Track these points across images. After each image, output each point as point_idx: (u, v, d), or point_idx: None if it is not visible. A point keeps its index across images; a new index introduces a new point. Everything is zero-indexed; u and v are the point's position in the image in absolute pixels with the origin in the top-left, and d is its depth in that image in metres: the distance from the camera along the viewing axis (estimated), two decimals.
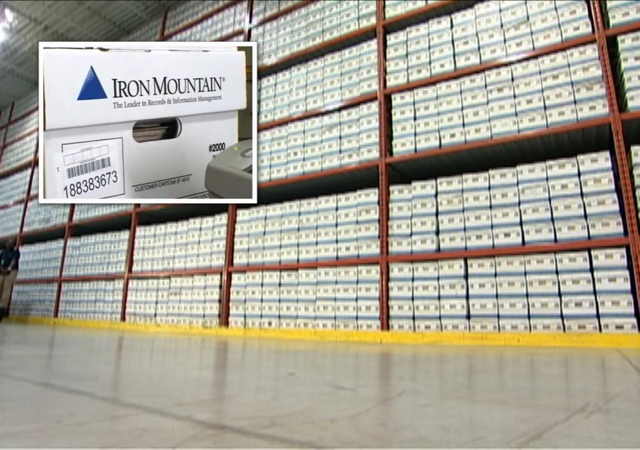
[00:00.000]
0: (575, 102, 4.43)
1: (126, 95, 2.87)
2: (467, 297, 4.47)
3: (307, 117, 6.20)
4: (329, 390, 1.35)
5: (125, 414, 0.95)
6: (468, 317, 4.43)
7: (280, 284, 5.80)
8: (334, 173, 5.70)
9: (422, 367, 2.38)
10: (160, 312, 7.17)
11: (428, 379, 1.76)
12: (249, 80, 3.20)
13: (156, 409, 1.00)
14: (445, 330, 4.51)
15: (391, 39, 5.75)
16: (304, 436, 0.80)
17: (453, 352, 3.40)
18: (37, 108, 12.42)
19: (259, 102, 6.86)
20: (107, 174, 2.92)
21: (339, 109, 5.92)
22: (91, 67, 2.78)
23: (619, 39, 4.35)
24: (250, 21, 7.53)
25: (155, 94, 2.93)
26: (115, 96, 2.85)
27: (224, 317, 6.27)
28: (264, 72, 7.02)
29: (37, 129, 11.75)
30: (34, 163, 11.53)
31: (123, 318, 7.72)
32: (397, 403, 1.12)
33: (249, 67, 3.26)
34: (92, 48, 2.84)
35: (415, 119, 5.26)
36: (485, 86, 4.92)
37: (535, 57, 4.74)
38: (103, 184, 2.93)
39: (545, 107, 4.56)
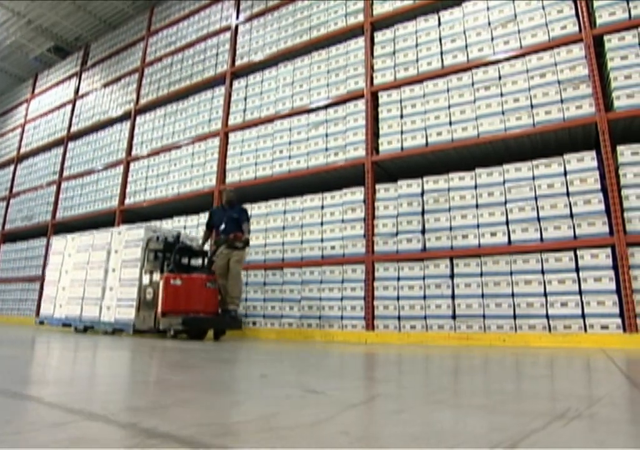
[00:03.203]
0: (562, 101, 4.41)
1: None
2: (453, 297, 4.42)
3: (293, 115, 6.11)
4: (299, 394, 1.27)
5: (66, 421, 0.87)
6: (454, 317, 4.38)
7: (265, 283, 5.72)
8: (320, 171, 5.63)
9: (403, 368, 2.31)
10: None
11: (407, 381, 1.69)
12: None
13: (103, 416, 0.92)
14: (430, 331, 4.45)
15: (378, 36, 5.69)
16: (256, 446, 0.73)
17: (438, 353, 3.34)
18: (20, 104, 12.21)
19: (245, 99, 6.77)
20: None
21: (326, 107, 5.84)
22: None
23: (605, 38, 4.33)
24: (237, 17, 7.42)
25: None
26: None
27: None
28: (250, 69, 6.94)
29: (21, 125, 11.55)
30: (17, 159, 11.32)
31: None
32: (369, 408, 1.05)
33: None
34: None
35: (402, 117, 5.21)
36: (472, 84, 4.88)
37: (522, 55, 4.71)
38: None
39: (532, 106, 4.52)
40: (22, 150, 11.28)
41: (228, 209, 5.21)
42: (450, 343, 4.25)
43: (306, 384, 1.51)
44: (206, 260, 5.11)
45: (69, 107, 10.26)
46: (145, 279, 5.15)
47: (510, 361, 2.69)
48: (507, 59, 4.77)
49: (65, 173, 9.58)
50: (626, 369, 2.20)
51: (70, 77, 10.72)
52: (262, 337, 5.38)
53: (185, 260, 5.35)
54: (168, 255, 5.09)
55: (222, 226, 5.09)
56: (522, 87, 4.61)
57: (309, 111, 5.98)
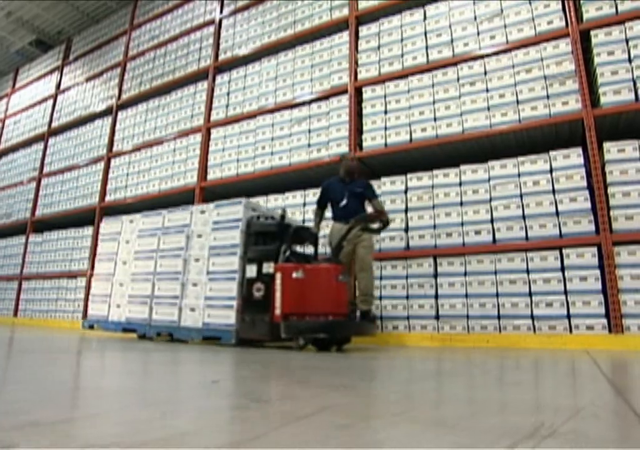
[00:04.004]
0: (548, 96, 4.32)
1: None
2: (436, 296, 4.31)
3: (276, 110, 5.97)
4: (241, 405, 1.14)
5: None
6: (437, 317, 4.27)
7: None
8: (303, 168, 5.49)
9: (372, 373, 2.19)
10: None
11: (370, 388, 1.56)
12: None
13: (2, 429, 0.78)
14: (413, 331, 4.34)
15: (363, 30, 5.57)
16: None
17: (418, 355, 3.21)
18: (0, 98, 11.93)
19: (228, 94, 6.61)
20: None
21: (309, 102, 5.71)
22: None
23: (592, 33, 4.25)
24: (221, 11, 7.27)
25: None
26: None
27: None
28: (234, 64, 6.79)
29: (1, 120, 11.28)
30: None
31: (85, 317, 7.36)
32: (309, 423, 0.92)
33: None
34: None
35: (386, 112, 5.09)
36: (458, 80, 4.77)
37: (508, 50, 4.62)
38: None
39: (518, 102, 4.43)
40: (2, 145, 11.01)
41: (349, 182, 4.22)
42: (433, 344, 4.14)
43: (258, 393, 1.37)
44: (319, 246, 4.25)
45: (50, 102, 10.03)
46: (251, 271, 3.88)
47: (491, 364, 2.58)
48: (493, 54, 4.68)
49: (46, 169, 9.35)
50: (610, 373, 2.10)
51: (51, 72, 10.48)
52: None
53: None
54: (270, 239, 3.92)
55: (344, 202, 4.12)
56: (507, 83, 4.52)
57: (292, 106, 5.85)
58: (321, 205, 4.39)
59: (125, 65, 8.57)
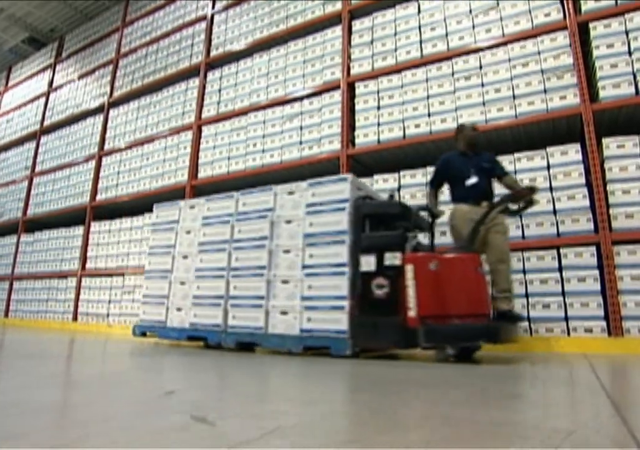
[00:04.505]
0: (545, 91, 4.17)
1: None
2: None
3: (268, 107, 5.84)
4: (180, 424, 1.00)
5: None
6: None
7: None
8: (294, 165, 5.35)
9: (348, 382, 2.05)
10: (113, 312, 6.72)
11: (333, 403, 1.42)
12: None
13: None
14: None
15: (356, 25, 5.43)
16: None
17: (403, 364, 3.03)
18: None
19: (219, 91, 6.48)
20: None
21: (301, 98, 5.57)
22: None
23: (590, 25, 4.11)
24: (213, 7, 7.13)
25: None
26: None
27: None
28: (225, 60, 6.66)
29: None
30: None
31: (75, 318, 7.25)
32: None
33: None
34: None
35: (379, 108, 4.95)
36: (453, 74, 4.63)
37: (504, 44, 4.47)
38: None
39: (514, 97, 4.29)
40: None
41: (473, 156, 3.54)
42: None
43: (208, 408, 1.23)
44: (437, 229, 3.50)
45: (43, 100, 9.89)
46: (368, 263, 3.25)
47: (480, 372, 2.44)
48: (489, 48, 4.53)
49: (38, 168, 9.22)
50: (609, 383, 1.96)
51: (44, 70, 10.34)
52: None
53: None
54: (386, 224, 3.27)
55: (473, 180, 3.40)
56: (503, 77, 4.37)
57: (284, 103, 5.71)
58: (436, 184, 3.66)
59: (117, 62, 8.44)
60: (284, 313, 3.45)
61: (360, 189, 3.62)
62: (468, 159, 3.53)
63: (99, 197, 7.62)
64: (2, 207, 9.81)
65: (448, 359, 2.76)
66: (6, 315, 8.71)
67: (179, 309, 4.11)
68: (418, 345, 2.85)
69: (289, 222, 3.66)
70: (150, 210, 7.03)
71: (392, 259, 3.69)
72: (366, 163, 5.16)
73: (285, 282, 3.53)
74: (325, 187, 3.55)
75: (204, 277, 4.00)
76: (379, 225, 3.31)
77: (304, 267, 3.46)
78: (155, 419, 1.07)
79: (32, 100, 10.25)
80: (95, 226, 7.48)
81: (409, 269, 2.92)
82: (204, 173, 6.19)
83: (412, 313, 2.84)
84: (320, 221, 3.48)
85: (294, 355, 3.22)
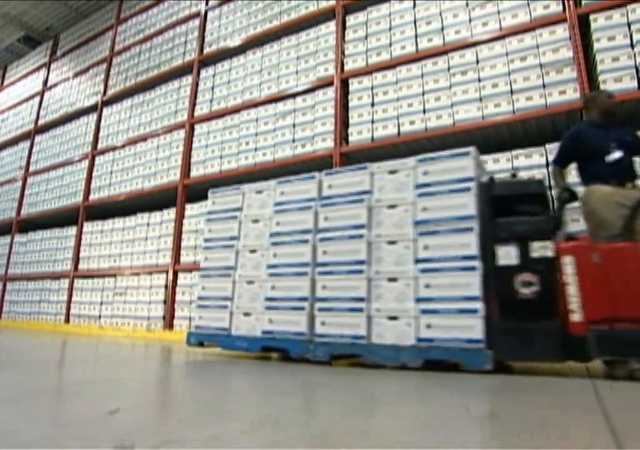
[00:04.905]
0: (544, 86, 4.03)
1: None
2: None
3: (261, 104, 5.71)
4: None
5: None
6: None
7: None
8: (287, 164, 5.22)
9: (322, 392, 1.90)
10: (105, 314, 6.61)
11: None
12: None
13: None
14: None
15: (351, 20, 5.29)
16: None
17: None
18: None
19: (212, 88, 6.35)
20: None
21: (294, 95, 5.44)
22: None
23: (591, 17, 3.96)
24: (207, 3, 7.00)
25: None
26: None
27: (168, 320, 5.75)
28: (219, 57, 6.53)
29: None
30: None
31: (67, 320, 7.13)
32: None
33: None
34: None
35: (373, 105, 4.81)
36: (449, 69, 4.49)
37: (501, 37, 4.33)
38: None
39: (512, 92, 4.14)
40: None
41: (612, 128, 2.99)
42: None
43: (141, 429, 1.08)
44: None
45: (37, 99, 9.79)
46: (507, 255, 2.63)
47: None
48: (486, 42, 4.39)
49: (32, 168, 9.11)
50: None
51: (39, 68, 10.24)
52: None
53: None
54: (522, 208, 2.70)
55: (615, 155, 2.84)
56: (501, 72, 4.23)
57: (277, 100, 5.58)
58: (563, 162, 3.13)
59: (111, 60, 8.32)
60: (392, 318, 2.81)
61: (480, 166, 3.13)
62: (606, 131, 2.96)
63: (92, 197, 7.50)
64: None
65: (633, 376, 2.12)
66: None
67: (247, 314, 3.43)
68: (584, 358, 2.31)
69: (392, 206, 3.02)
70: (142, 210, 6.93)
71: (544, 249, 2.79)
72: (360, 161, 5.00)
73: (392, 280, 2.88)
74: (440, 164, 2.96)
75: (280, 275, 3.33)
76: (508, 210, 2.72)
77: (418, 261, 2.83)
78: None
79: (27, 100, 10.15)
80: (87, 226, 7.36)
81: (568, 262, 2.42)
82: (196, 172, 6.07)
83: (576, 317, 2.34)
84: (437, 205, 2.87)
85: (409, 371, 2.57)
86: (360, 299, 2.96)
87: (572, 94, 3.89)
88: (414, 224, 2.93)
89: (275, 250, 3.42)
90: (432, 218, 2.88)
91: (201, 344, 3.62)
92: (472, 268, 2.67)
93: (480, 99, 4.26)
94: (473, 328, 2.56)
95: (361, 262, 3.02)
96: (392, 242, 2.98)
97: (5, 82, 11.22)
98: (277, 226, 3.48)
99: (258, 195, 3.73)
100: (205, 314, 3.69)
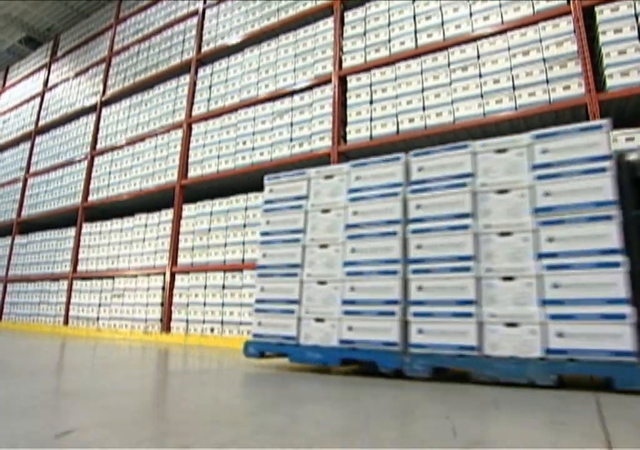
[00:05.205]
0: (547, 81, 3.88)
1: None
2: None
3: (258, 103, 5.61)
4: None
5: None
6: None
7: (224, 286, 5.20)
8: (284, 163, 5.10)
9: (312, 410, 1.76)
10: (103, 316, 6.53)
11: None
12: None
13: None
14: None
15: (349, 16, 5.17)
16: None
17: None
18: None
19: (210, 87, 6.25)
20: None
21: (292, 93, 5.33)
22: None
23: (597, 9, 3.81)
24: (204, 1, 6.91)
25: None
26: None
27: (166, 322, 5.65)
28: (216, 56, 6.44)
29: None
30: None
31: (66, 321, 7.07)
32: None
33: None
34: None
35: (371, 102, 4.69)
36: (449, 65, 4.36)
37: (503, 31, 4.19)
38: None
39: (514, 87, 4.00)
40: None
41: None
42: None
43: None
44: None
45: (38, 100, 9.76)
46: None
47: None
48: (487, 36, 4.25)
49: (32, 169, 9.07)
50: None
51: (39, 69, 10.21)
52: (218, 346, 4.81)
53: None
54: None
55: None
56: (503, 67, 4.09)
57: (274, 99, 5.47)
58: None
59: (110, 60, 8.26)
60: (511, 325, 2.36)
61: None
62: None
63: (91, 198, 7.44)
64: None
65: None
66: (0, 318, 8.58)
67: (319, 320, 2.90)
68: None
69: (503, 192, 2.58)
70: (141, 210, 6.87)
71: None
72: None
73: (508, 279, 2.44)
74: (563, 140, 2.51)
75: (360, 273, 2.83)
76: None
77: (541, 256, 2.38)
78: None
79: (27, 100, 10.12)
80: (86, 227, 7.30)
81: None
82: (193, 172, 5.97)
83: None
84: (563, 189, 2.42)
85: (537, 389, 2.13)
86: (468, 302, 2.49)
87: (576, 89, 3.75)
88: (533, 211, 2.47)
89: (354, 245, 2.89)
90: (557, 205, 2.41)
91: (262, 355, 3.08)
92: (615, 264, 2.20)
93: (482, 95, 4.12)
94: (620, 337, 2.11)
95: (466, 258, 2.54)
96: (505, 234, 2.51)
97: (7, 84, 11.20)
98: (355, 216, 2.95)
99: (328, 180, 3.18)
100: (266, 319, 3.13)
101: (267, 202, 3.42)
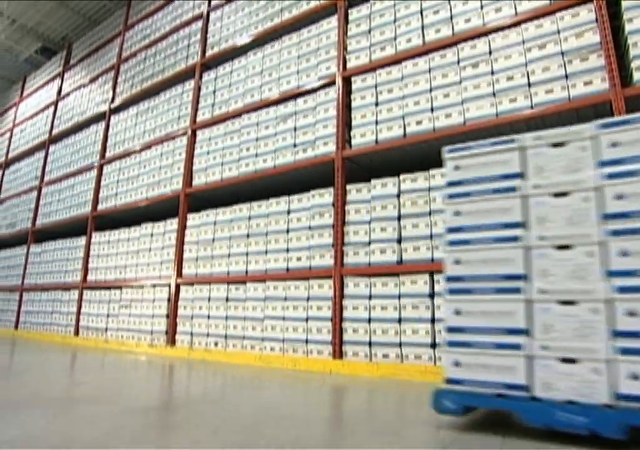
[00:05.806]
0: (566, 76, 3.54)
1: None
2: (433, 320, 3.61)
3: (261, 107, 5.40)
4: None
5: None
6: (433, 345, 3.56)
7: (227, 299, 5.00)
8: (288, 170, 4.87)
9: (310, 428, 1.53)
10: (111, 327, 6.43)
11: None
12: None
13: None
14: (406, 361, 3.64)
15: (353, 13, 4.91)
16: None
17: (395, 389, 2.49)
18: (10, 108, 11.87)
19: (214, 92, 6.08)
20: None
21: (295, 96, 5.09)
22: None
23: None
24: (209, 4, 6.75)
25: None
26: None
27: (171, 335, 5.49)
28: (220, 60, 6.27)
29: (9, 130, 11.18)
30: (5, 165, 10.96)
31: (77, 332, 7.01)
32: None
33: None
34: None
35: (377, 104, 4.42)
36: (458, 62, 4.05)
37: (517, 24, 3.85)
38: None
39: (529, 84, 3.67)
40: (10, 155, 10.90)
41: None
42: (426, 378, 3.42)
43: None
44: None
45: (52, 109, 9.80)
46: None
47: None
48: (499, 30, 3.92)
49: (46, 178, 9.10)
50: None
51: (54, 78, 10.27)
52: (221, 361, 4.61)
53: None
54: None
55: None
56: (517, 63, 3.76)
57: (278, 102, 5.25)
58: None
59: (119, 67, 8.19)
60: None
61: None
62: None
63: (100, 207, 7.36)
64: (14, 218, 9.75)
65: None
66: (16, 327, 8.61)
67: (568, 361, 1.87)
68: None
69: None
70: (147, 220, 6.73)
71: None
72: (364, 165, 4.62)
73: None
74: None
75: None
76: None
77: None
78: None
79: (42, 110, 10.19)
80: (95, 237, 7.23)
81: None
82: (198, 180, 5.80)
83: None
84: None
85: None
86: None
87: (599, 84, 3.40)
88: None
89: (622, 245, 1.90)
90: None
91: (467, 411, 2.03)
92: None
93: (494, 94, 3.80)
94: None
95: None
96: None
97: (24, 93, 11.32)
98: (619, 201, 1.96)
99: (558, 149, 2.16)
100: (468, 358, 2.09)
101: (451, 184, 2.39)
